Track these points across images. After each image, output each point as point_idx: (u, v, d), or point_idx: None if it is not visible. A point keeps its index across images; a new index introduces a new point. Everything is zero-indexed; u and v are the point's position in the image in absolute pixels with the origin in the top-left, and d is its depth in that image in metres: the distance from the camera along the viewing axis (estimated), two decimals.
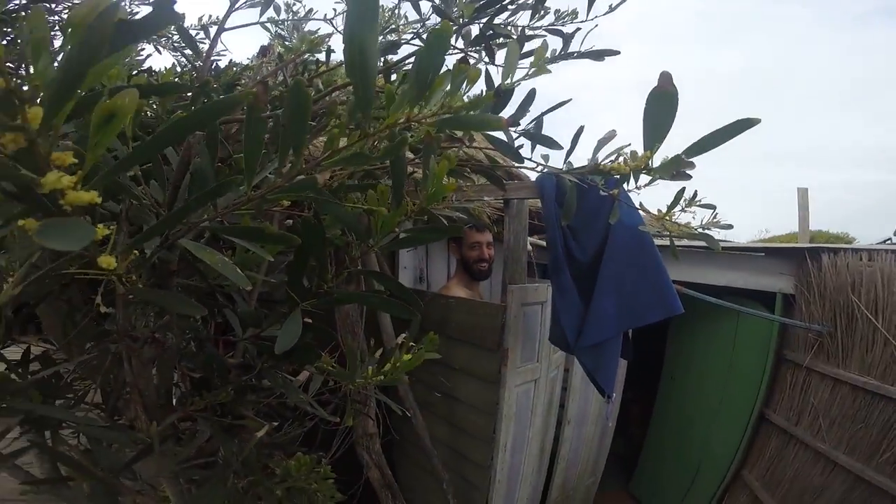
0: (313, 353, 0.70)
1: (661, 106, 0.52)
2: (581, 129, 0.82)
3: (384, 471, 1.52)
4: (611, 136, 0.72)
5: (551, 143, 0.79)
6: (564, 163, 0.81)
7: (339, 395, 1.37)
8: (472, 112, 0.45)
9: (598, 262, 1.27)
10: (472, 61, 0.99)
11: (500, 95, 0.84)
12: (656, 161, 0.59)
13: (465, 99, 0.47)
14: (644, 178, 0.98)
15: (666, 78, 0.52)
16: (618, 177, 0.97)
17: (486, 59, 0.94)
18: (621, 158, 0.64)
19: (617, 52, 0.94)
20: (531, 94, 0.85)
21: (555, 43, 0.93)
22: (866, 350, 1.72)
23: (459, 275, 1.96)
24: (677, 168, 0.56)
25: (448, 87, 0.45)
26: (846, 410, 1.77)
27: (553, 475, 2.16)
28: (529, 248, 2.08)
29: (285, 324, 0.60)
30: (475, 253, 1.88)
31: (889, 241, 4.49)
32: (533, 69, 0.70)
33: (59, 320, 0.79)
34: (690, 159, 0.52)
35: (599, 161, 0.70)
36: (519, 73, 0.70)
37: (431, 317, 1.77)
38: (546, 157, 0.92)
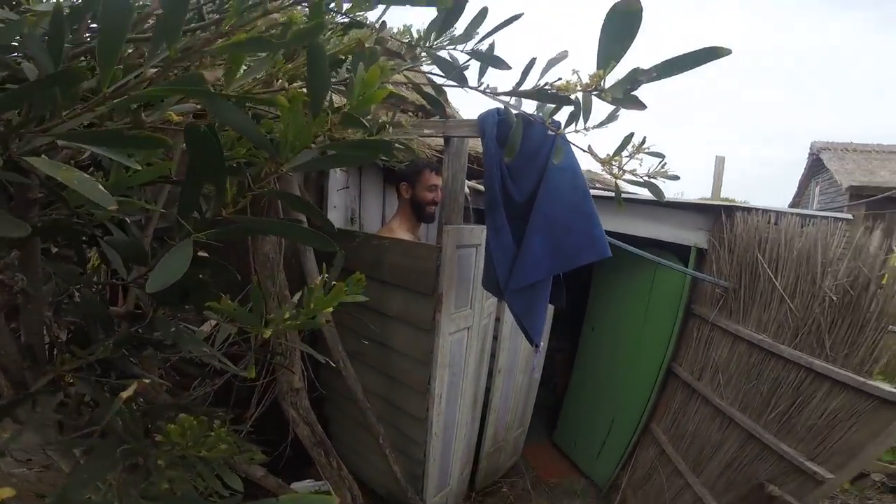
0: (210, 293, 0.59)
1: (622, 23, 0.45)
2: (533, 60, 0.73)
3: (314, 427, 1.46)
4: (562, 56, 0.65)
5: (499, 63, 0.70)
6: (513, 91, 0.73)
7: (252, 347, 1.26)
8: None
9: (532, 204, 1.24)
10: None
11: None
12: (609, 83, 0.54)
13: None
14: (593, 120, 0.94)
15: None
16: (557, 112, 0.92)
17: None
18: (574, 77, 0.57)
19: None
20: (482, 12, 0.74)
21: None
22: (763, 308, 1.79)
23: (404, 216, 1.85)
24: (633, 85, 0.50)
25: None
26: (742, 367, 1.83)
27: (485, 426, 2.20)
28: (467, 191, 2.02)
29: (165, 256, 0.48)
30: (430, 195, 1.79)
31: None
32: None
33: None
34: (644, 81, 0.47)
35: (544, 85, 0.64)
36: None
37: (364, 259, 1.66)
38: (494, 89, 0.84)
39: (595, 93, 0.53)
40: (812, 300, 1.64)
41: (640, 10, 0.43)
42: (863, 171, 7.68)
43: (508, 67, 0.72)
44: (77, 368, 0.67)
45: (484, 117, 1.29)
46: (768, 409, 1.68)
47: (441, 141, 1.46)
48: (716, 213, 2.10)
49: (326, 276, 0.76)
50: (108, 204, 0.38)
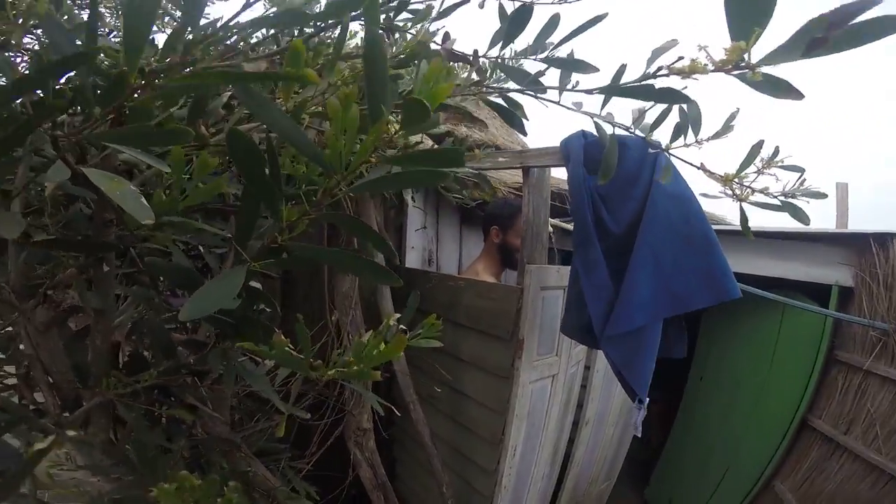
0: (260, 328, 0.52)
1: None
2: (624, 67, 0.61)
3: (377, 470, 1.37)
4: (671, 44, 0.51)
5: (583, 67, 0.58)
6: (592, 92, 0.60)
7: (318, 387, 1.20)
8: None
9: (632, 236, 1.05)
10: None
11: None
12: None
13: None
14: (705, 132, 0.77)
15: None
16: (660, 124, 0.76)
17: None
18: (702, 55, 0.42)
19: None
20: (553, 20, 0.65)
21: None
22: None
23: (490, 260, 1.77)
24: (792, 56, 0.35)
25: None
26: None
27: (564, 479, 1.99)
28: (550, 229, 1.88)
29: (207, 283, 0.42)
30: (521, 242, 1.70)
31: None
32: None
33: None
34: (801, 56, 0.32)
35: (657, 69, 0.49)
36: None
37: (438, 300, 1.59)
38: (578, 105, 0.72)
39: (736, 73, 0.38)
40: None
41: None
42: None
43: (596, 69, 0.59)
44: (128, 393, 0.64)
45: (567, 141, 1.17)
46: None
47: (518, 177, 1.36)
48: (862, 244, 1.75)
49: (398, 316, 0.67)
50: (144, 217, 0.33)
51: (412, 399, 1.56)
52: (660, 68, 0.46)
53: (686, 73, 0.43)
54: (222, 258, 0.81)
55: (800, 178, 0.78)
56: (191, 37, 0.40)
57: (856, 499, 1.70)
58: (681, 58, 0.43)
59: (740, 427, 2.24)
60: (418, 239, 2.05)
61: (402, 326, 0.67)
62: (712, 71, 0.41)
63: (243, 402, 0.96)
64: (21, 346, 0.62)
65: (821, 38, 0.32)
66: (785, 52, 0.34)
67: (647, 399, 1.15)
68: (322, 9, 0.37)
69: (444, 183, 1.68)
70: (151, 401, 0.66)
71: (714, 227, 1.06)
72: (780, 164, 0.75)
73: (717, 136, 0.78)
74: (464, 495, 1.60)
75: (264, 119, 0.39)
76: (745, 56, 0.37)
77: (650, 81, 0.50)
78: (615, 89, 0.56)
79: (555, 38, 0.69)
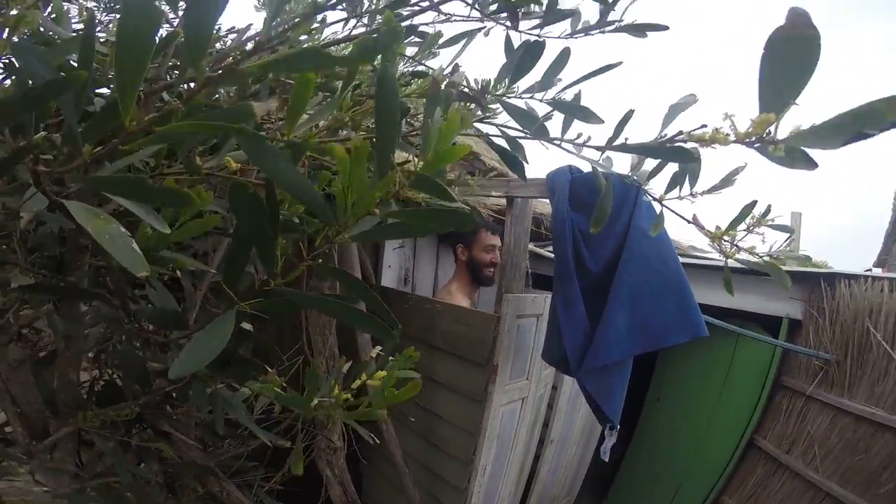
0: (252, 367, 0.51)
1: (793, 52, 0.33)
2: (631, 112, 0.61)
3: (347, 488, 1.35)
4: (690, 101, 0.53)
5: (587, 115, 0.60)
6: (604, 150, 0.62)
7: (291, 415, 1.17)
8: None
9: (611, 274, 1.09)
10: (491, 26, 0.80)
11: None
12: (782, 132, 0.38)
13: None
14: (701, 185, 0.77)
15: (799, 16, 0.33)
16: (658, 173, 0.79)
17: (509, 24, 0.75)
18: (726, 124, 0.42)
19: (665, 28, 0.74)
20: (564, 54, 0.66)
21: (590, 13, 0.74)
22: (877, 380, 1.66)
23: (462, 280, 1.78)
24: (831, 144, 0.34)
25: None
26: (846, 440, 1.71)
27: (529, 496, 2.03)
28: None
29: (199, 335, 0.40)
30: (489, 257, 1.72)
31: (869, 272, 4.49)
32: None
33: None
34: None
35: (676, 134, 0.50)
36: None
37: (415, 323, 1.58)
38: (579, 148, 0.72)
39: (758, 145, 0.38)
40: None
41: (817, 36, 0.31)
42: None
43: (601, 121, 0.61)
44: (104, 424, 0.61)
45: (554, 176, 1.19)
46: (878, 483, 1.55)
47: (500, 200, 1.38)
48: (812, 282, 1.90)
49: (380, 351, 0.67)
50: (139, 271, 0.31)
51: (384, 419, 1.54)
52: (680, 132, 0.46)
53: (706, 143, 0.41)
54: (194, 275, 0.78)
55: (788, 238, 0.78)
56: (192, 84, 0.38)
57: None
58: (703, 125, 0.43)
59: (693, 446, 2.33)
60: (395, 258, 2.04)
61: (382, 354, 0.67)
62: (733, 142, 0.39)
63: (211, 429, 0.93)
64: None
65: (869, 133, 0.30)
66: (821, 139, 0.32)
67: (619, 426, 1.19)
68: (350, 51, 0.36)
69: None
70: (128, 429, 0.63)
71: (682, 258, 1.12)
72: (769, 223, 0.74)
73: (713, 190, 0.76)
74: None
75: (270, 172, 0.38)
76: (771, 128, 0.35)
77: (665, 142, 0.49)
78: (626, 147, 0.55)
79: (564, 74, 0.68)
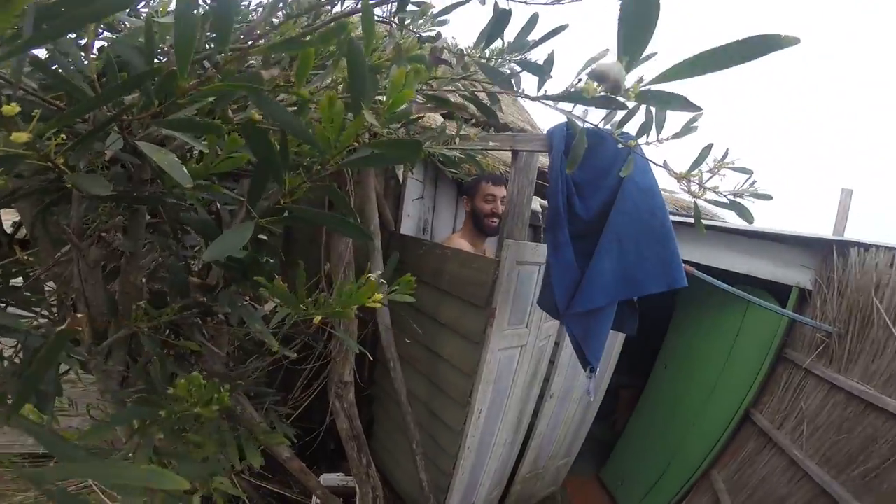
0: (264, 270, 0.66)
1: (640, 6, 0.42)
2: (552, 55, 0.72)
3: (353, 422, 1.50)
4: (601, 55, 0.62)
5: (539, 71, 0.70)
6: (538, 91, 0.72)
7: (308, 333, 1.35)
8: None
9: (601, 223, 1.17)
10: None
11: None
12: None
13: None
14: (667, 131, 0.87)
15: None
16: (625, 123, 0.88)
17: None
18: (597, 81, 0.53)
19: None
20: (532, 19, 0.76)
21: None
22: (873, 357, 1.58)
23: (466, 228, 1.90)
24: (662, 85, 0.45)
25: None
26: (834, 419, 1.65)
27: (526, 450, 2.10)
28: (539, 208, 1.99)
29: (225, 232, 0.56)
30: (488, 206, 1.81)
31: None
32: None
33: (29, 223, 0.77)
34: (683, 78, 0.44)
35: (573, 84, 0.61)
36: None
37: (427, 267, 1.71)
38: (555, 101, 0.84)
39: (620, 95, 0.49)
40: None
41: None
42: None
43: (546, 76, 0.71)
44: (150, 328, 0.77)
45: (552, 131, 1.28)
46: (853, 466, 1.50)
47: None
48: (825, 250, 1.83)
49: (379, 273, 0.81)
50: (186, 182, 0.46)
51: (393, 357, 1.70)
52: (575, 83, 0.58)
53: (586, 93, 0.54)
54: (232, 213, 0.95)
55: (748, 179, 0.87)
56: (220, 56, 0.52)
57: (772, 493, 1.75)
58: (580, 80, 0.55)
59: (691, 416, 2.29)
60: (415, 208, 2.17)
61: (381, 280, 0.81)
62: (601, 93, 0.51)
63: (238, 347, 1.11)
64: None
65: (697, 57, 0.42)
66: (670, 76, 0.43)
67: (599, 368, 1.30)
68: (315, 37, 0.49)
69: (412, 163, 1.83)
70: (167, 338, 0.80)
71: (689, 219, 1.17)
72: (729, 164, 0.84)
73: (676, 136, 0.84)
74: (431, 452, 1.75)
75: (273, 116, 0.52)
76: (627, 79, 0.46)
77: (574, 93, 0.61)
78: (563, 96, 0.67)
79: (535, 35, 0.79)
